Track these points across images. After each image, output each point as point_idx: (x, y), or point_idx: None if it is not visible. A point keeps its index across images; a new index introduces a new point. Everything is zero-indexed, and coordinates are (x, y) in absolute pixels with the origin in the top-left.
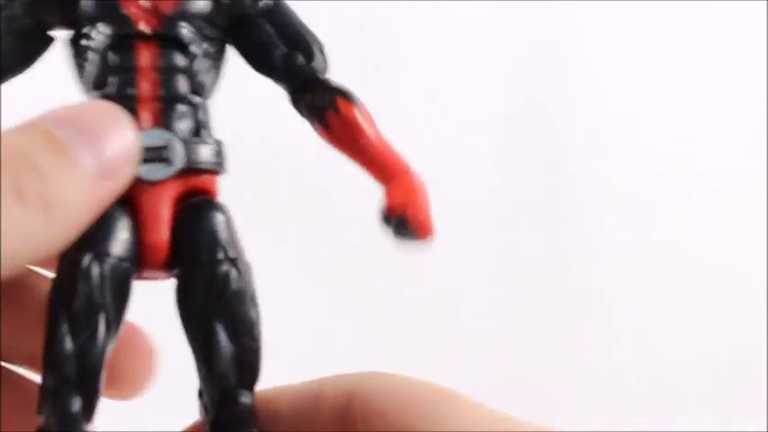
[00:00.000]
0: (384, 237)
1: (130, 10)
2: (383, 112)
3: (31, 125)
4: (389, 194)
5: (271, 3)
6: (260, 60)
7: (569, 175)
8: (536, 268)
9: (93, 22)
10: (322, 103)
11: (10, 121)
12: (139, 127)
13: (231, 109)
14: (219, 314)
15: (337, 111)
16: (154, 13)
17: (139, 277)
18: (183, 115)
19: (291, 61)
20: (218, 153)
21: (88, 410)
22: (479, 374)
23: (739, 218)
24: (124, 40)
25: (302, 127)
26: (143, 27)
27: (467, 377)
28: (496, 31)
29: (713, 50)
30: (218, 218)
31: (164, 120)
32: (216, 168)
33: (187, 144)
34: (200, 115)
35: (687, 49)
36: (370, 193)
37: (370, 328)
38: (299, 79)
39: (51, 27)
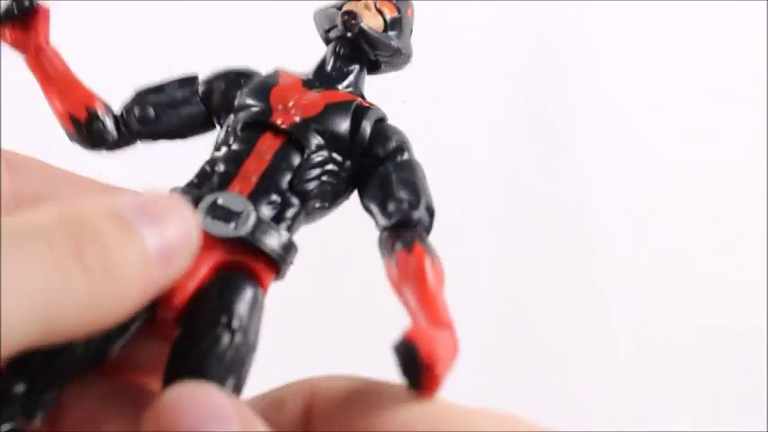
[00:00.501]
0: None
1: (276, 105)
2: (388, 113)
3: (96, 202)
4: (413, 331)
5: (405, 157)
6: (373, 196)
7: (569, 175)
8: (536, 268)
9: (244, 108)
10: (402, 243)
11: (9, 121)
12: (227, 189)
13: None
14: (191, 371)
15: (410, 252)
16: (294, 113)
17: (145, 325)
18: (270, 202)
19: (387, 209)
20: (285, 248)
21: (32, 399)
22: (479, 374)
23: (739, 217)
24: (258, 125)
25: None
26: (278, 121)
27: (467, 377)
28: (497, 32)
29: (713, 50)
30: (247, 293)
31: (251, 195)
32: (273, 258)
33: (260, 223)
34: (288, 213)
35: (687, 48)
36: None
37: (370, 328)
38: (384, 221)
39: (217, 113)
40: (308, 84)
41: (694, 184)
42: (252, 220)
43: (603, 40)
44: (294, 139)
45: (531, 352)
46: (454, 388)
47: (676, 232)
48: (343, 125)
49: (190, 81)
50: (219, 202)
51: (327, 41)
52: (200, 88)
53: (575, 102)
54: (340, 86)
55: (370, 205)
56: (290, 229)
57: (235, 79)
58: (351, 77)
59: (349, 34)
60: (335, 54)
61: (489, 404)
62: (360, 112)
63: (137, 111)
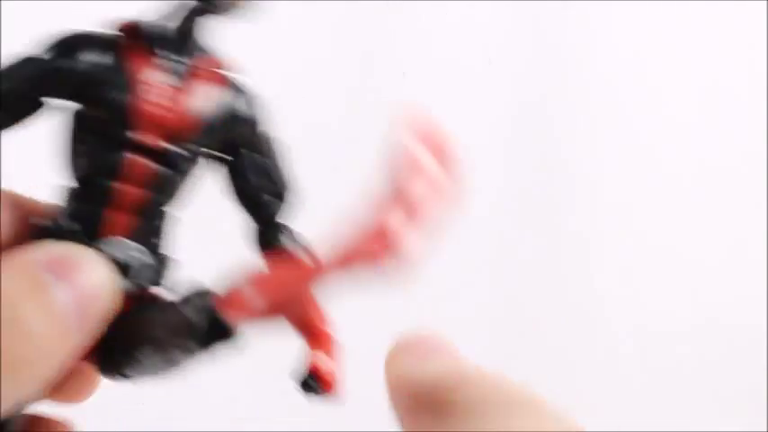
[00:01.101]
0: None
1: (142, 118)
2: (388, 117)
3: (7, 260)
4: (317, 361)
5: (264, 134)
6: (240, 191)
7: (569, 175)
8: (536, 268)
9: (106, 115)
10: (274, 243)
11: None
12: (110, 234)
13: None
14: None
15: (283, 255)
16: (160, 128)
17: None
18: (152, 232)
19: (261, 202)
20: (171, 270)
21: None
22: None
23: (739, 218)
24: (124, 144)
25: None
26: (146, 139)
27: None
28: (497, 32)
29: (713, 50)
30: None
31: (137, 231)
32: (164, 284)
33: (146, 265)
34: (165, 229)
35: (688, 48)
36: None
37: (371, 328)
38: (269, 218)
39: (51, 97)
40: (162, 61)
41: (694, 183)
42: (143, 268)
43: (603, 41)
44: (164, 155)
45: (531, 352)
46: None
47: (677, 233)
48: (219, 135)
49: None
50: (113, 255)
51: None
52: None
53: (574, 102)
54: (186, 58)
55: (241, 201)
56: (167, 240)
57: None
58: (200, 37)
59: None
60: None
61: None
62: (231, 99)
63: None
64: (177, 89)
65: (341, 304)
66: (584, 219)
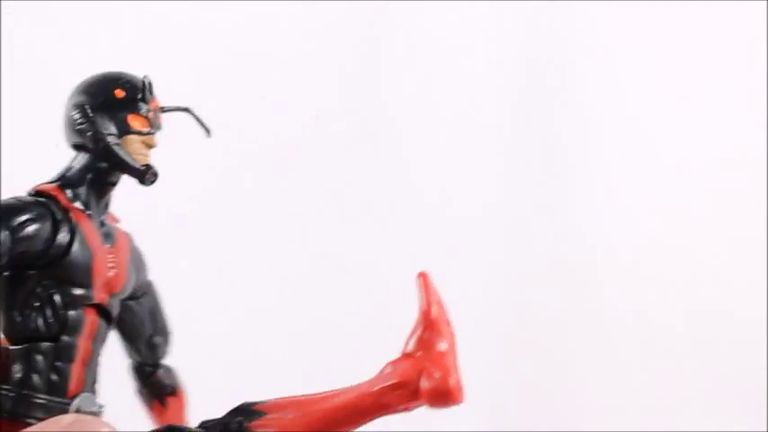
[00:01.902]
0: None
1: (97, 282)
2: (389, 117)
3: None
4: None
5: (144, 282)
6: (132, 337)
7: (571, 176)
8: (539, 269)
9: (67, 276)
10: (164, 387)
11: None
12: (76, 390)
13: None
14: None
15: (176, 395)
16: (107, 289)
17: None
18: (93, 376)
19: (155, 343)
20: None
21: None
22: (481, 376)
23: (740, 219)
24: (84, 302)
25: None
26: (100, 297)
27: (468, 377)
28: (497, 33)
29: (714, 52)
30: None
31: (86, 380)
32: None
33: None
34: (97, 376)
35: (688, 50)
36: (385, 191)
37: (371, 328)
38: (154, 358)
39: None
40: (96, 223)
41: (696, 186)
42: (101, 412)
43: (604, 42)
44: (106, 311)
45: (531, 353)
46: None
47: (678, 235)
48: (132, 284)
49: None
50: (89, 410)
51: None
52: None
53: (574, 102)
54: (107, 214)
55: (128, 341)
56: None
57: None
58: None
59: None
60: (103, 182)
61: (490, 404)
62: (134, 255)
63: None
64: (111, 249)
65: (343, 305)
66: (587, 218)
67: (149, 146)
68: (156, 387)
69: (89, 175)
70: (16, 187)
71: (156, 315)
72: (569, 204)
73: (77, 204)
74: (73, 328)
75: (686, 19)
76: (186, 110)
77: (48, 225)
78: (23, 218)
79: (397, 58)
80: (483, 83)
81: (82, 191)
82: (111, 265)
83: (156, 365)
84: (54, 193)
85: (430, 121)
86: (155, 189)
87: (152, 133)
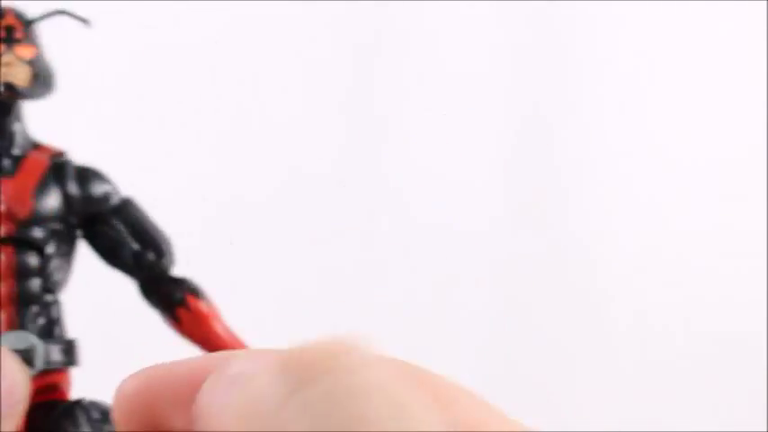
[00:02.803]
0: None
1: None
2: (387, 120)
3: None
4: None
5: (119, 202)
6: (112, 256)
7: (571, 176)
8: (538, 272)
9: None
10: (173, 300)
11: None
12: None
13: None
14: None
15: (187, 307)
16: (9, 217)
17: None
18: (37, 315)
19: (142, 258)
20: (70, 351)
21: None
22: (480, 374)
23: (740, 221)
24: None
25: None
26: (5, 231)
27: (469, 377)
28: (498, 34)
29: (714, 53)
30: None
31: (20, 321)
32: (68, 366)
33: (44, 345)
34: (54, 313)
35: (688, 53)
36: (377, 194)
37: (372, 328)
38: (150, 275)
39: None
40: None
41: (696, 186)
42: (40, 349)
43: (604, 44)
44: (24, 241)
45: (531, 353)
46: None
47: (678, 235)
48: (57, 202)
49: None
50: (13, 347)
51: None
52: None
53: (575, 102)
54: (16, 150)
55: (115, 265)
56: (59, 323)
57: None
58: (18, 131)
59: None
60: None
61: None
62: (58, 174)
63: None
64: (13, 180)
65: (343, 305)
66: (586, 221)
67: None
68: (164, 302)
69: None
70: None
71: (140, 231)
72: (569, 207)
73: None
74: None
75: (688, 21)
76: (60, 12)
77: None
78: None
79: (397, 59)
80: (484, 89)
81: None
82: (8, 197)
83: (160, 280)
84: None
85: (431, 125)
86: (154, 192)
87: None
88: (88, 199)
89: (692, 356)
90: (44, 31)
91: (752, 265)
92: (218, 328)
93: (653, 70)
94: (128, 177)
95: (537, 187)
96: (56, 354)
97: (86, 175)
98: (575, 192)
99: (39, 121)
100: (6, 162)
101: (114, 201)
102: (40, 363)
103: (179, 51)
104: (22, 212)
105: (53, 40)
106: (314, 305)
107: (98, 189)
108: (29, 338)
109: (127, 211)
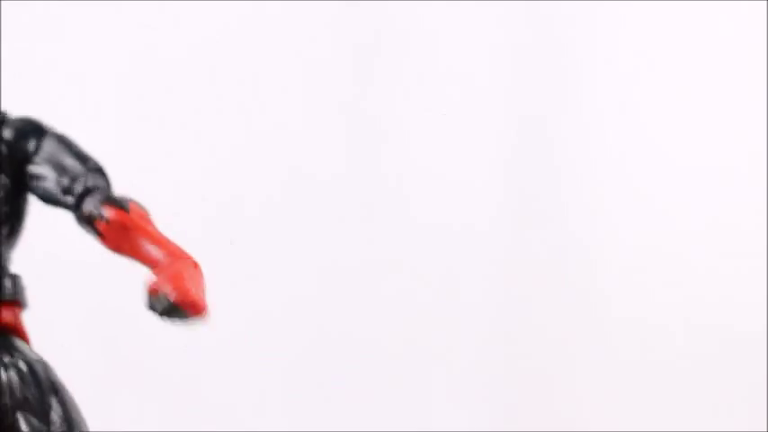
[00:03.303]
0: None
1: None
2: (387, 121)
3: None
4: (155, 280)
5: (34, 143)
6: (44, 195)
7: (571, 177)
8: (539, 272)
9: None
10: (91, 215)
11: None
12: None
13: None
14: None
15: (106, 219)
16: None
17: None
18: None
19: (66, 188)
20: (16, 285)
21: None
22: (480, 374)
23: (740, 220)
24: None
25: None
26: None
27: (469, 377)
28: (498, 34)
29: (714, 53)
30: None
31: None
32: (14, 299)
33: None
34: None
35: (688, 53)
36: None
37: (373, 328)
38: (76, 201)
39: None
40: None
41: (696, 187)
42: None
43: (604, 46)
44: None
45: (531, 352)
46: (456, 388)
47: (678, 236)
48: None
49: None
50: None
51: None
52: None
53: (574, 102)
54: None
55: (51, 203)
56: (5, 261)
57: None
58: None
59: None
60: None
61: (491, 403)
62: None
63: None
64: None
65: (343, 304)
66: (585, 220)
67: None
68: (86, 222)
69: None
70: None
71: (57, 162)
72: (569, 209)
73: None
74: None
75: (686, 19)
76: None
77: None
78: None
79: (397, 59)
80: (484, 89)
81: None
82: None
83: (81, 202)
84: None
85: (430, 125)
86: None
87: None
88: (13, 150)
89: (692, 356)
90: (45, 32)
91: (753, 264)
92: (143, 237)
93: (653, 70)
94: (128, 177)
95: (536, 187)
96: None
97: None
98: (574, 191)
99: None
100: None
101: (29, 144)
102: None
103: (179, 51)
104: None
105: (53, 41)
106: (314, 304)
107: (19, 140)
108: None
109: (44, 149)
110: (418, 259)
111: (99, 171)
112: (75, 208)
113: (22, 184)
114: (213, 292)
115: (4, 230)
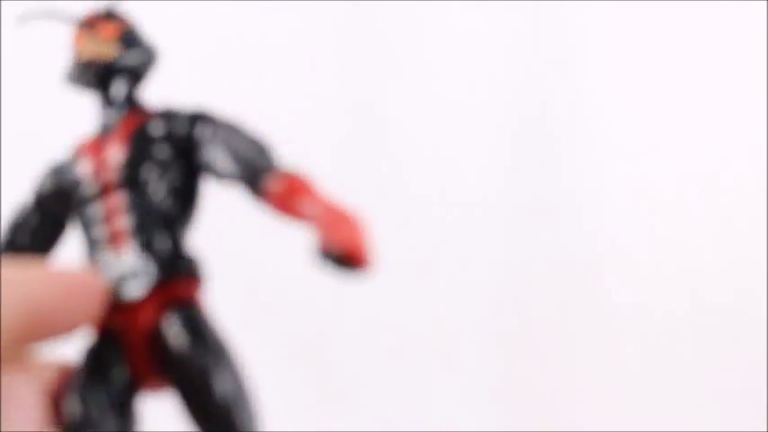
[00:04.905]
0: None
1: (85, 172)
2: (388, 119)
3: None
4: (322, 234)
5: (210, 129)
6: (222, 176)
7: (571, 177)
8: (541, 273)
9: (72, 196)
10: (264, 185)
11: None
12: (115, 253)
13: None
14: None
15: (281, 190)
16: (106, 166)
17: (139, 392)
18: (150, 240)
19: (243, 169)
20: (192, 264)
21: None
22: (481, 375)
23: (740, 218)
24: (94, 196)
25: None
26: (100, 183)
27: (468, 376)
28: (498, 35)
29: (714, 54)
30: (193, 327)
31: (138, 248)
32: (192, 275)
33: (152, 266)
34: (176, 237)
35: (689, 53)
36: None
37: (372, 328)
38: (253, 179)
39: (62, 216)
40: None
41: (697, 187)
42: (152, 266)
43: (604, 46)
44: (128, 182)
45: (532, 351)
46: (456, 389)
47: (679, 234)
48: (153, 142)
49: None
50: (117, 268)
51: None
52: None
53: (578, 100)
54: (122, 112)
55: (225, 181)
56: (182, 245)
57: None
58: (121, 98)
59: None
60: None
61: (490, 402)
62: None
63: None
64: (105, 140)
65: (343, 300)
66: (588, 221)
67: None
68: (258, 192)
69: None
70: (15, 185)
71: (236, 148)
72: (571, 203)
73: None
74: (94, 220)
75: (688, 23)
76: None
77: None
78: None
79: (397, 58)
80: (486, 81)
81: None
82: (99, 153)
83: (259, 177)
84: None
85: (431, 116)
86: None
87: None
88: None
89: (693, 356)
90: (45, 33)
91: (753, 262)
92: (312, 199)
93: (659, 70)
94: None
95: (539, 186)
96: (175, 266)
97: None
98: (577, 189)
99: (40, 121)
100: (108, 125)
101: (206, 131)
102: (152, 277)
103: (179, 52)
104: (117, 158)
105: (54, 41)
106: (311, 301)
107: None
108: (138, 262)
109: (220, 136)
110: (418, 259)
111: (269, 150)
112: (253, 185)
113: (196, 169)
114: (213, 292)
115: (180, 214)
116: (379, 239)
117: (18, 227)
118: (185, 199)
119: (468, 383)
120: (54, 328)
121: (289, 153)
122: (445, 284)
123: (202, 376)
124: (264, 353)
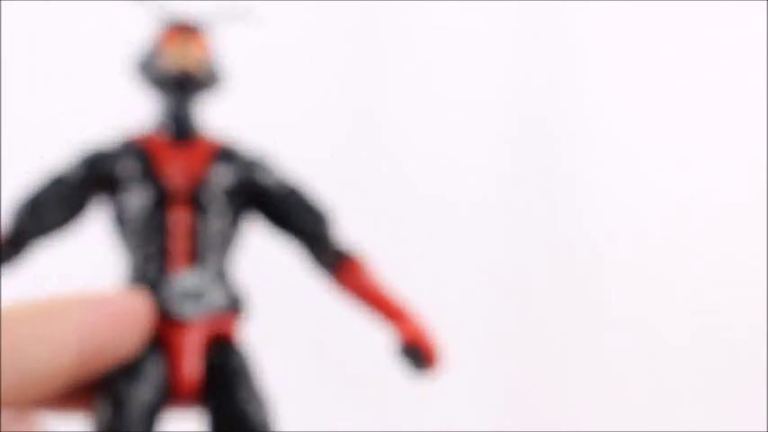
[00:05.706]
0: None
1: (168, 178)
2: (388, 120)
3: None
4: (404, 331)
5: (288, 187)
6: (284, 227)
7: (571, 179)
8: (539, 273)
9: (132, 187)
10: (336, 261)
11: (10, 119)
12: (176, 271)
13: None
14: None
15: (348, 270)
16: (187, 181)
17: (170, 408)
18: (209, 265)
19: (313, 230)
20: (237, 298)
21: None
22: (481, 374)
23: (740, 219)
24: (161, 203)
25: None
26: (176, 193)
27: (468, 376)
28: (499, 40)
29: (714, 55)
30: (242, 363)
31: (194, 268)
32: (235, 311)
33: (212, 290)
34: (224, 266)
35: (689, 54)
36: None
37: (372, 328)
38: (318, 243)
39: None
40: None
41: (697, 188)
42: (209, 292)
43: (604, 44)
44: (197, 203)
45: (531, 355)
46: (455, 388)
47: (678, 236)
48: (229, 177)
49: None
50: (180, 285)
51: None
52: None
53: (578, 102)
54: (194, 135)
55: (287, 236)
56: (229, 274)
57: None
58: (198, 112)
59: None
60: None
61: (490, 403)
62: (229, 155)
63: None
64: (186, 163)
65: (341, 307)
66: (588, 220)
67: None
68: (327, 266)
69: None
70: (14, 187)
71: (301, 209)
72: (571, 204)
73: None
74: (156, 227)
75: (688, 25)
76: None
77: None
78: None
79: (396, 59)
80: (486, 82)
81: None
82: (182, 176)
83: (319, 245)
84: None
85: (431, 117)
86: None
87: None
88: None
89: (693, 356)
90: (46, 33)
91: (753, 265)
92: (378, 290)
93: (659, 71)
94: None
95: (539, 187)
96: (222, 298)
97: None
98: (577, 190)
99: (43, 123)
100: (182, 146)
101: (281, 185)
102: (207, 304)
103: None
104: (196, 178)
105: (54, 42)
106: (311, 301)
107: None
108: (197, 281)
109: (294, 194)
110: (418, 259)
111: (331, 219)
112: (314, 249)
113: (251, 211)
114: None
115: (227, 248)
116: (380, 239)
117: (37, 203)
118: (237, 233)
119: (468, 383)
120: (106, 358)
121: (289, 154)
122: (445, 285)
123: (243, 414)
124: (273, 353)
